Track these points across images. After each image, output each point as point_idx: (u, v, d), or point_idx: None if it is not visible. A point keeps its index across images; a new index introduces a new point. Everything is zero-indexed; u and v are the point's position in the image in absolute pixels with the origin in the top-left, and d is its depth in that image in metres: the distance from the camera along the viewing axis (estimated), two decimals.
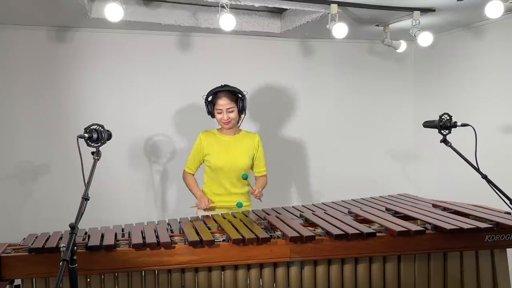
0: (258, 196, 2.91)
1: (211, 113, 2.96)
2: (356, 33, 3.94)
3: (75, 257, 1.72)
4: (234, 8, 3.25)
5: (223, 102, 2.89)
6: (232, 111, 2.92)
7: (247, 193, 3.06)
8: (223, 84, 2.96)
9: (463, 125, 2.44)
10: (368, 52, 4.49)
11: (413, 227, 2.31)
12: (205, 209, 2.90)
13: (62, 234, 2.28)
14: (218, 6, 2.94)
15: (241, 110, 2.97)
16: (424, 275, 2.33)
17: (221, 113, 2.91)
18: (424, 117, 2.69)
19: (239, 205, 2.91)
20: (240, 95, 2.95)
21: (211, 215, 2.73)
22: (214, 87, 2.96)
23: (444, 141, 2.49)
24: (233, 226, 2.40)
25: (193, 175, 3.09)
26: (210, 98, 2.94)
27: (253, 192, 2.91)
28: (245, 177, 2.93)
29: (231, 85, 2.95)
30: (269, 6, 3.23)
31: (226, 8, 2.92)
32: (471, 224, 2.35)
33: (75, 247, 1.72)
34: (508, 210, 2.38)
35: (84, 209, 1.85)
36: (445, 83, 4.18)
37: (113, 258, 2.10)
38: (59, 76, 3.73)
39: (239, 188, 3.00)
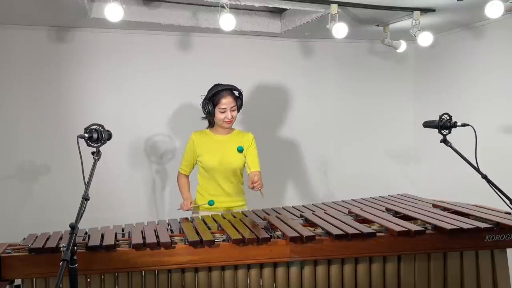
0: (258, 187, 2.68)
1: (211, 113, 2.92)
2: (356, 33, 3.94)
3: (75, 257, 1.73)
4: (234, 8, 3.25)
5: (227, 101, 2.87)
6: (234, 110, 2.91)
7: (243, 192, 3.06)
8: (217, 83, 2.94)
9: (463, 125, 2.44)
10: (368, 52, 4.49)
11: (413, 227, 2.31)
12: (186, 210, 2.90)
13: (62, 234, 2.29)
14: (218, 6, 2.94)
15: (239, 108, 2.97)
16: (424, 275, 2.33)
17: (224, 112, 2.88)
18: (424, 117, 2.69)
19: (211, 203, 2.87)
20: (238, 93, 2.95)
21: (211, 215, 2.73)
22: (211, 87, 2.94)
23: (444, 141, 2.49)
24: (233, 226, 2.40)
25: (187, 176, 3.07)
26: (210, 98, 2.89)
27: (253, 183, 2.68)
28: (240, 150, 2.78)
29: (226, 84, 2.93)
30: (269, 6, 3.23)
31: (226, 8, 2.92)
32: (471, 224, 2.35)
33: (75, 247, 1.73)
34: (508, 210, 2.38)
35: (84, 209, 1.85)
36: (445, 83, 4.18)
37: (113, 258, 2.10)
38: (59, 76, 3.73)
39: (234, 187, 3.00)
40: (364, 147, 4.51)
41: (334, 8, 3.11)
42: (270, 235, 2.24)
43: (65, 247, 1.68)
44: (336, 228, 2.31)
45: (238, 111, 2.97)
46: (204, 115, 3.03)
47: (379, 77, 4.52)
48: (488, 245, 2.35)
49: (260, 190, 2.74)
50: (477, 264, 2.38)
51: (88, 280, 2.11)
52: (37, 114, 3.70)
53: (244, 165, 3.00)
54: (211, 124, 3.04)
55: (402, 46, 3.95)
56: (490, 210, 2.66)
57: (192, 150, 2.99)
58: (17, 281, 2.15)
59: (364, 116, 4.52)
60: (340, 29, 3.17)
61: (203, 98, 2.93)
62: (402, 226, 2.32)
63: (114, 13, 2.84)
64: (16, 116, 3.66)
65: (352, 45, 4.39)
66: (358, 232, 2.25)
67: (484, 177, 2.38)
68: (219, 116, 2.90)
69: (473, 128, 2.41)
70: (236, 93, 2.94)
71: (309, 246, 2.21)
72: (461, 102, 3.96)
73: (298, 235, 2.21)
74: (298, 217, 2.63)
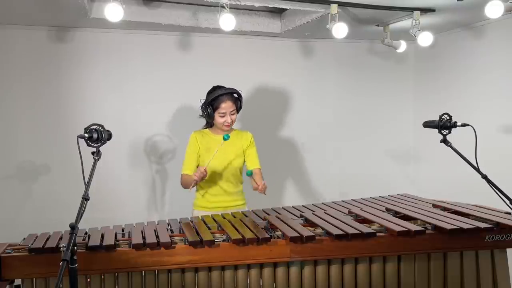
0: (263, 190, 2.77)
1: (211, 116, 2.91)
2: (356, 33, 3.94)
3: (75, 257, 1.73)
4: (234, 8, 3.25)
5: (227, 105, 2.87)
6: (234, 114, 2.92)
7: (242, 192, 3.06)
8: (216, 86, 2.93)
9: (463, 125, 2.44)
10: (368, 52, 4.49)
11: (413, 227, 2.31)
12: (201, 177, 2.76)
13: (62, 234, 2.28)
14: (218, 6, 2.94)
15: (238, 110, 2.97)
16: (424, 275, 2.33)
17: (224, 116, 2.88)
18: (424, 117, 2.69)
19: (225, 137, 2.79)
20: (237, 96, 2.95)
21: (211, 215, 2.73)
22: (210, 88, 2.94)
23: (444, 141, 2.49)
24: (233, 226, 2.40)
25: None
26: (209, 102, 2.88)
27: (258, 187, 2.78)
28: (249, 174, 2.84)
29: (228, 86, 2.93)
30: (269, 6, 3.23)
31: (226, 8, 2.92)
32: (471, 224, 2.35)
33: (75, 247, 1.73)
34: (508, 210, 2.38)
35: (84, 209, 1.85)
36: (445, 83, 4.18)
37: (113, 258, 2.10)
38: (59, 76, 3.73)
39: (234, 187, 3.01)
40: (364, 147, 4.51)
41: (334, 8, 3.11)
42: (270, 235, 2.24)
43: (65, 247, 1.68)
44: (336, 228, 2.31)
45: (238, 112, 2.97)
46: (201, 115, 3.03)
47: (379, 77, 4.52)
48: (488, 245, 2.35)
49: (264, 192, 2.79)
50: (477, 264, 2.38)
51: (88, 280, 2.11)
52: (37, 114, 3.70)
53: (243, 165, 3.01)
54: (209, 124, 3.03)
55: (402, 46, 3.95)
56: (490, 210, 2.66)
57: (196, 148, 2.96)
58: (17, 281, 2.15)
59: (364, 116, 4.52)
60: (340, 29, 3.17)
61: (203, 102, 2.92)
62: (402, 226, 2.32)
63: (114, 13, 2.84)
64: (16, 116, 3.66)
65: (352, 45, 4.39)
66: (358, 232, 2.25)
67: (484, 177, 2.38)
68: (218, 120, 2.90)
69: (473, 128, 2.41)
70: (236, 95, 2.94)
71: (309, 246, 2.21)
72: (461, 102, 3.96)
73: (298, 235, 2.21)
74: (298, 217, 2.62)
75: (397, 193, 3.28)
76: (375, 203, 2.95)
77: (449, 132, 2.47)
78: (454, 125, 2.45)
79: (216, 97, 2.87)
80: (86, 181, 1.92)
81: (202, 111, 2.93)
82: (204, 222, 2.54)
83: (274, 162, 4.11)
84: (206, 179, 2.95)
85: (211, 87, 2.97)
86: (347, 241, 2.23)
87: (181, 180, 2.97)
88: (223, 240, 2.22)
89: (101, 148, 2.05)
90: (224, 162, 2.94)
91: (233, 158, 2.95)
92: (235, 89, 2.94)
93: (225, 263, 2.18)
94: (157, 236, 2.24)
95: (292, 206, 2.93)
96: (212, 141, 2.98)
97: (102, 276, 2.12)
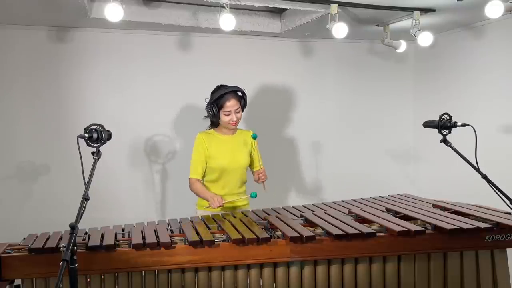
0: (263, 178, 2.92)
1: (216, 116, 2.91)
2: (356, 33, 3.94)
3: (75, 257, 1.73)
4: (234, 8, 3.25)
5: (232, 104, 2.86)
6: (239, 112, 2.91)
7: (245, 192, 3.07)
8: (220, 85, 2.94)
9: (463, 125, 2.44)
10: (368, 52, 4.49)
11: (413, 227, 2.31)
12: (218, 207, 2.77)
13: (62, 234, 2.29)
14: (218, 6, 2.94)
15: (243, 108, 2.97)
16: (424, 275, 2.33)
17: (229, 114, 2.88)
18: (424, 117, 2.69)
19: (253, 195, 2.78)
20: (241, 94, 2.95)
21: (211, 215, 2.73)
22: (215, 87, 2.94)
23: (444, 141, 2.49)
24: (233, 226, 2.40)
25: (200, 181, 2.96)
26: (214, 101, 2.88)
27: (258, 175, 2.94)
28: (254, 137, 2.94)
29: (230, 85, 2.93)
30: (269, 6, 3.23)
31: (226, 8, 2.92)
32: (471, 224, 2.35)
33: (75, 247, 1.73)
34: (508, 210, 2.38)
35: (84, 209, 1.85)
36: (445, 83, 4.18)
37: (113, 258, 2.10)
38: (59, 76, 3.73)
39: (240, 187, 3.01)
40: (364, 147, 4.51)
41: (334, 8, 3.11)
42: (270, 235, 2.24)
43: (65, 247, 1.68)
44: (336, 228, 2.31)
45: (242, 110, 2.97)
46: (206, 115, 3.02)
47: (379, 77, 4.53)
48: (488, 245, 2.35)
49: (263, 182, 2.91)
50: (477, 264, 2.38)
51: (88, 280, 2.11)
52: (37, 114, 3.70)
53: (249, 164, 3.03)
54: (214, 124, 3.03)
55: (402, 46, 3.95)
56: (490, 210, 2.66)
57: (204, 149, 2.93)
58: (17, 281, 2.15)
59: (364, 116, 4.52)
60: (340, 29, 3.17)
61: (208, 101, 2.92)
62: (402, 226, 2.32)
63: (114, 13, 2.84)
64: (16, 116, 3.66)
65: (352, 45, 4.39)
66: (358, 232, 2.25)
67: (484, 177, 2.38)
68: (224, 118, 2.90)
69: (473, 128, 2.41)
70: (240, 93, 2.94)
71: (309, 246, 2.21)
72: (461, 102, 3.96)
73: (298, 235, 2.21)
74: (298, 217, 2.63)
75: (397, 193, 3.28)
76: (375, 203, 2.95)
77: (449, 132, 2.47)
78: (454, 125, 2.45)
79: (220, 96, 2.87)
80: (86, 181, 1.92)
81: (208, 111, 2.92)
82: (204, 222, 2.54)
83: (274, 162, 4.10)
84: (214, 180, 2.96)
85: (211, 87, 2.96)
86: (347, 241, 2.23)
87: (191, 185, 2.94)
88: (223, 240, 2.22)
89: (101, 148, 2.05)
90: (232, 161, 2.94)
91: (240, 156, 2.97)
92: (239, 87, 2.94)
93: (225, 263, 2.18)
94: (157, 236, 2.24)
95: (292, 206, 2.93)
96: (220, 141, 2.97)
97: (102, 276, 2.12)
